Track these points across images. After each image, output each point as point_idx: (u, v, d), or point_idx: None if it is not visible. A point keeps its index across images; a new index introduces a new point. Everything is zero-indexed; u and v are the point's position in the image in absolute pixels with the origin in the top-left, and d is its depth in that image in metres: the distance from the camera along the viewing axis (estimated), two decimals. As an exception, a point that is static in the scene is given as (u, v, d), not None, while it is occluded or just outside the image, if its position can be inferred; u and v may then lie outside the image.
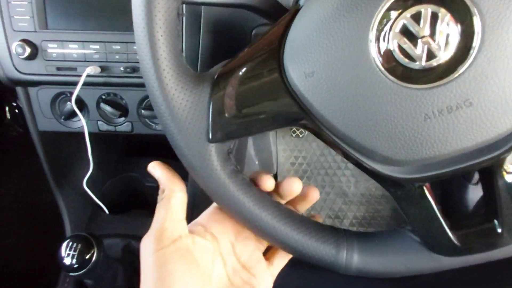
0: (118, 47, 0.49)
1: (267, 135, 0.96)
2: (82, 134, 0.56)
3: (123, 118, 0.56)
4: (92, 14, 0.48)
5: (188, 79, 0.28)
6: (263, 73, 0.27)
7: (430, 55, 0.23)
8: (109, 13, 0.48)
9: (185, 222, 0.32)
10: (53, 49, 0.49)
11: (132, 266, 0.61)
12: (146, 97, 0.54)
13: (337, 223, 0.99)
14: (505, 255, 0.28)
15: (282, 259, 0.36)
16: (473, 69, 0.23)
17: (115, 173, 0.79)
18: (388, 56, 0.24)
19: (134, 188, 0.80)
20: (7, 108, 0.95)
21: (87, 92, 0.54)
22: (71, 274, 0.48)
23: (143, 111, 0.55)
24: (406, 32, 0.23)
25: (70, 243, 0.48)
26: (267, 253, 0.37)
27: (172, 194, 0.31)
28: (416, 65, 0.23)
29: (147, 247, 0.30)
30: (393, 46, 0.23)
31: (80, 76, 0.49)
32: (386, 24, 0.23)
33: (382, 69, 0.24)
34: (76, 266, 0.48)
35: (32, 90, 0.55)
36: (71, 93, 0.54)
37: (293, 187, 0.33)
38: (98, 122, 0.56)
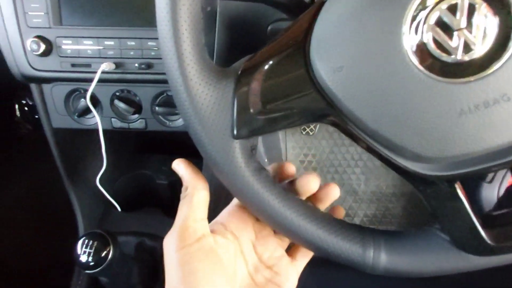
0: (133, 43, 0.48)
1: (276, 132, 0.95)
2: (94, 131, 0.56)
3: (137, 115, 0.55)
4: (107, 10, 0.48)
5: (212, 74, 0.27)
6: (289, 68, 0.27)
7: (467, 48, 0.22)
8: (124, 8, 0.48)
9: (206, 221, 0.32)
10: (67, 46, 0.49)
11: (146, 264, 0.61)
12: (160, 93, 0.54)
13: (348, 221, 0.98)
14: None
15: (306, 255, 0.36)
16: (511, 62, 0.22)
17: (127, 171, 0.79)
18: (421, 50, 0.23)
19: (146, 186, 0.80)
20: (16, 106, 0.96)
21: (101, 89, 0.53)
22: (87, 271, 0.48)
23: (157, 108, 0.54)
24: (441, 24, 0.22)
25: (86, 241, 0.48)
26: (290, 249, 0.36)
27: (195, 191, 0.31)
28: (451, 59, 0.22)
29: (170, 245, 0.30)
30: (427, 38, 0.23)
31: (94, 72, 0.49)
32: (420, 16, 0.23)
33: (416, 63, 0.23)
34: (92, 263, 0.48)
35: (46, 87, 0.55)
36: (85, 90, 0.53)
37: (310, 184, 0.33)
38: (112, 119, 0.56)
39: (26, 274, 0.75)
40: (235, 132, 0.27)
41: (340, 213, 0.36)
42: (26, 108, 0.96)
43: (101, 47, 0.49)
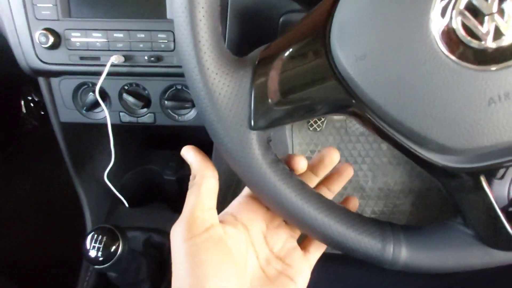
0: (143, 35, 0.48)
1: (283, 127, 0.94)
2: (102, 126, 0.55)
3: (145, 109, 0.55)
4: (116, 2, 0.47)
5: (229, 64, 0.26)
6: (308, 56, 0.26)
7: (498, 34, 0.21)
8: (134, 0, 0.47)
9: (215, 210, 0.31)
10: (76, 38, 0.48)
11: (154, 259, 0.60)
12: (170, 87, 0.53)
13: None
14: None
15: (319, 248, 0.35)
16: None
17: (134, 166, 0.78)
18: (450, 35, 0.22)
19: (153, 181, 0.79)
20: (22, 102, 0.95)
21: (110, 83, 0.53)
22: (96, 267, 0.47)
23: (166, 101, 0.53)
24: (471, 8, 0.21)
25: (95, 236, 0.48)
26: (303, 242, 0.35)
27: (204, 180, 0.30)
28: (481, 45, 0.22)
29: (177, 235, 0.29)
30: (457, 24, 0.22)
31: (102, 65, 0.48)
32: (449, 0, 0.22)
33: (444, 49, 0.22)
34: (101, 259, 0.47)
35: (54, 81, 0.54)
36: (93, 84, 0.53)
37: (333, 156, 0.35)
38: (120, 113, 0.55)
39: (33, 270, 0.75)
40: (252, 123, 0.27)
41: (355, 204, 0.35)
42: (32, 104, 0.96)
43: (110, 40, 0.48)
